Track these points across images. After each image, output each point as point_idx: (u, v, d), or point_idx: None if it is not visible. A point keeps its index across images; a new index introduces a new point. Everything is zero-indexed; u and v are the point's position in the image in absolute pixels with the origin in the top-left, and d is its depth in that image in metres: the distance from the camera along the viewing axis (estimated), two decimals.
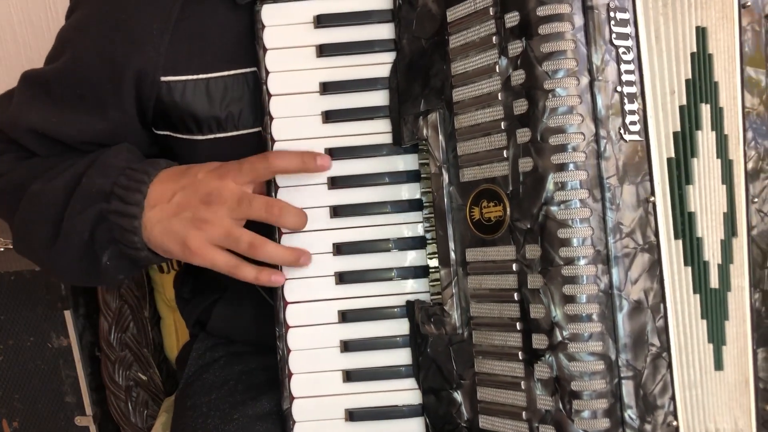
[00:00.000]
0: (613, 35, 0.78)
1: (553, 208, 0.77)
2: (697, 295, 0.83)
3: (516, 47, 0.79)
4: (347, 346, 0.92)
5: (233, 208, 0.89)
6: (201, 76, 0.94)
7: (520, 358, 0.81)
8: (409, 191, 0.92)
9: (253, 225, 0.91)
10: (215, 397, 1.07)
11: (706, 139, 0.84)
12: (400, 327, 0.92)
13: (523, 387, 0.81)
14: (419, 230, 0.92)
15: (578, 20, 0.77)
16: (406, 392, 0.92)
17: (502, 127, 0.81)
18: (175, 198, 0.90)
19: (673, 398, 0.80)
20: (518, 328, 0.81)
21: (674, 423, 0.79)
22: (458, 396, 0.87)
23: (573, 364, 0.77)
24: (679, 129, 0.82)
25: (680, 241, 0.82)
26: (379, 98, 0.92)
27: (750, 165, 0.87)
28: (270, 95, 0.92)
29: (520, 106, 0.79)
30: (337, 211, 0.92)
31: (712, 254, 0.84)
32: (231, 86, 0.95)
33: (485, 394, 0.84)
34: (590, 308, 0.76)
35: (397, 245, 0.92)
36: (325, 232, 0.92)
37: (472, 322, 0.85)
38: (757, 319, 0.87)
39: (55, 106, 0.98)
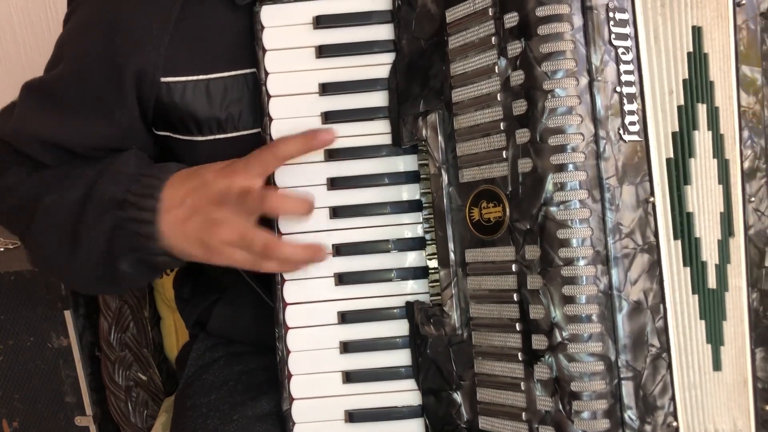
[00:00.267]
0: (612, 36, 0.78)
1: (553, 209, 0.77)
2: (696, 296, 0.83)
3: (515, 48, 0.79)
4: (347, 347, 0.92)
5: (242, 206, 0.88)
6: (201, 77, 0.94)
7: (520, 358, 0.81)
8: (408, 192, 0.92)
9: None
10: (215, 397, 1.07)
11: (702, 139, 0.84)
12: (400, 328, 0.92)
13: (522, 388, 0.81)
14: (419, 231, 0.92)
15: (577, 21, 0.77)
16: (405, 393, 0.92)
17: (502, 128, 0.81)
18: (188, 201, 0.90)
19: (673, 399, 0.80)
20: (518, 328, 0.81)
21: (674, 424, 0.79)
22: (458, 397, 0.87)
23: (573, 365, 0.77)
24: (677, 129, 0.82)
25: (679, 242, 0.82)
26: (378, 99, 0.92)
27: (746, 164, 0.87)
28: (269, 96, 0.92)
29: (520, 107, 0.79)
30: (336, 212, 0.92)
31: (709, 254, 0.84)
32: (231, 87, 0.95)
33: (485, 395, 0.84)
34: (590, 309, 0.76)
35: (397, 246, 0.92)
36: (325, 233, 0.92)
37: (471, 322, 0.85)
38: (755, 318, 0.87)
39: (60, 114, 0.97)
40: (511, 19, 0.79)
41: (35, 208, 0.96)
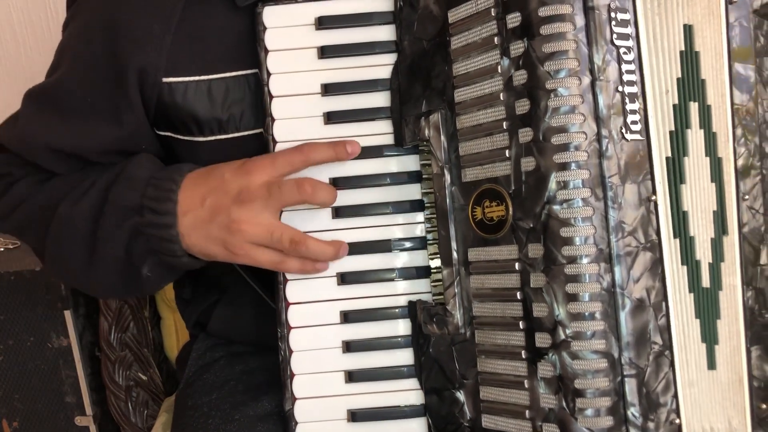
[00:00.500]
0: (614, 35, 0.79)
1: (556, 207, 0.77)
2: (692, 294, 0.83)
3: (518, 48, 0.79)
4: (349, 347, 0.92)
5: (266, 201, 0.88)
6: (202, 77, 0.94)
7: (523, 356, 0.81)
8: (410, 192, 0.92)
9: None
10: (216, 397, 1.07)
11: (695, 137, 0.84)
12: (402, 327, 0.92)
13: (526, 386, 0.81)
14: (421, 231, 0.92)
15: (579, 21, 0.77)
16: (408, 392, 0.92)
17: (504, 127, 0.81)
18: (207, 202, 0.89)
19: (675, 396, 0.80)
20: (521, 327, 0.81)
21: (677, 421, 0.80)
22: (461, 396, 0.87)
23: (576, 363, 0.77)
24: (673, 128, 0.82)
25: (677, 240, 0.82)
26: (380, 99, 0.92)
27: (740, 162, 0.87)
28: (271, 97, 0.92)
29: (522, 106, 0.79)
30: (338, 212, 0.92)
31: (703, 253, 0.84)
32: (232, 88, 0.95)
33: (488, 394, 0.85)
34: (593, 306, 0.77)
35: (399, 246, 0.92)
36: (327, 232, 0.92)
37: (474, 321, 0.86)
38: (750, 317, 0.87)
39: (66, 119, 0.97)
40: (513, 20, 0.79)
41: (49, 219, 0.95)
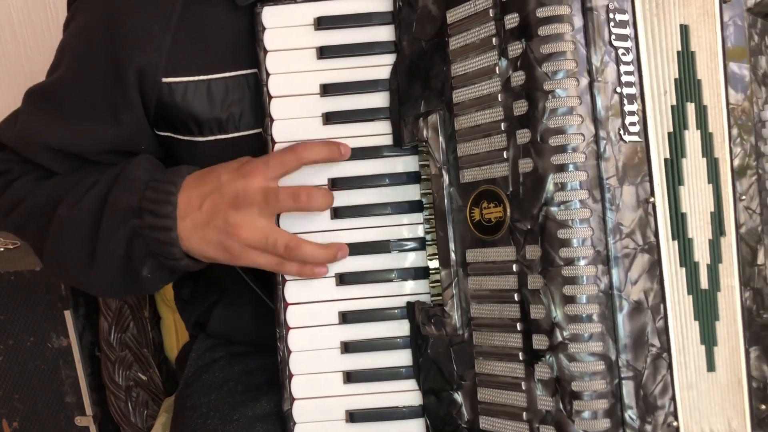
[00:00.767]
0: (613, 36, 0.78)
1: (553, 209, 0.77)
2: (691, 296, 0.83)
3: (516, 48, 0.79)
4: (348, 348, 0.92)
5: (262, 207, 0.88)
6: (202, 77, 0.94)
7: (521, 358, 0.81)
8: (409, 192, 0.92)
9: None
10: (215, 397, 1.07)
11: (692, 138, 0.84)
12: (401, 328, 0.92)
13: (523, 387, 0.81)
14: (419, 231, 0.92)
15: (578, 21, 0.77)
16: (406, 393, 0.92)
17: (502, 128, 0.81)
18: (205, 205, 0.90)
19: (673, 399, 0.80)
20: (518, 328, 0.81)
21: (674, 423, 0.80)
22: (459, 397, 0.87)
23: (573, 365, 0.77)
24: (672, 129, 0.82)
25: (676, 242, 0.82)
26: (379, 100, 0.92)
27: (736, 162, 0.86)
28: (271, 97, 0.92)
29: (520, 107, 0.79)
30: (337, 213, 0.92)
31: (701, 255, 0.84)
32: (232, 88, 0.95)
33: (486, 395, 0.85)
34: (590, 309, 0.77)
35: (398, 246, 0.92)
36: (326, 233, 0.92)
37: (472, 322, 0.85)
38: (748, 317, 0.86)
39: (66, 119, 0.97)
40: (511, 20, 0.79)
41: (49, 219, 0.95)
